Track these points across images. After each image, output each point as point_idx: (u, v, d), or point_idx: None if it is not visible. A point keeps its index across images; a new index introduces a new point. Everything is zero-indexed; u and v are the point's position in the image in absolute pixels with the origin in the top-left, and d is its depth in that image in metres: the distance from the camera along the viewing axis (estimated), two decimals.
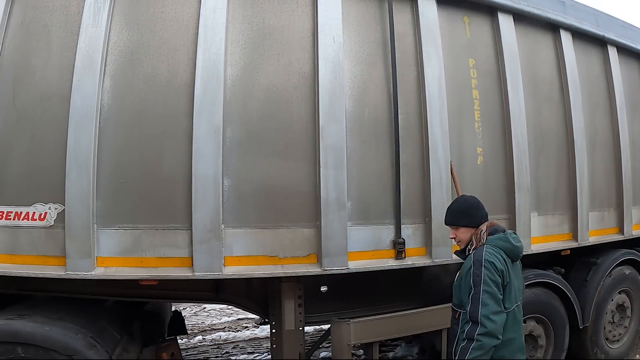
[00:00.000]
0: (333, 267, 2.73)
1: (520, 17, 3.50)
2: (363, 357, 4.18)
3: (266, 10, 2.84)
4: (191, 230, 2.60)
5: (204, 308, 6.50)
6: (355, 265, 2.80)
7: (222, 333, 5.61)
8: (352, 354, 4.54)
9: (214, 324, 5.99)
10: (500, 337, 2.10)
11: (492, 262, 2.17)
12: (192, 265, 2.61)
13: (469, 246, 2.33)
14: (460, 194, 2.87)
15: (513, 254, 2.32)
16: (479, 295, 2.10)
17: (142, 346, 3.07)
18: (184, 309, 4.51)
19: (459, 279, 2.31)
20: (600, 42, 3.99)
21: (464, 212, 2.36)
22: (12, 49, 2.86)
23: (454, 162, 3.07)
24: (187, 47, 2.74)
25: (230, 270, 2.64)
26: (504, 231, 2.37)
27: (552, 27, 3.69)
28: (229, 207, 2.63)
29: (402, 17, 3.08)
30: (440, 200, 2.99)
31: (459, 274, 2.37)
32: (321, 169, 2.71)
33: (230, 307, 6.26)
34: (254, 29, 2.81)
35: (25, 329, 2.76)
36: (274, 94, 2.75)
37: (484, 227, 2.34)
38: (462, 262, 2.38)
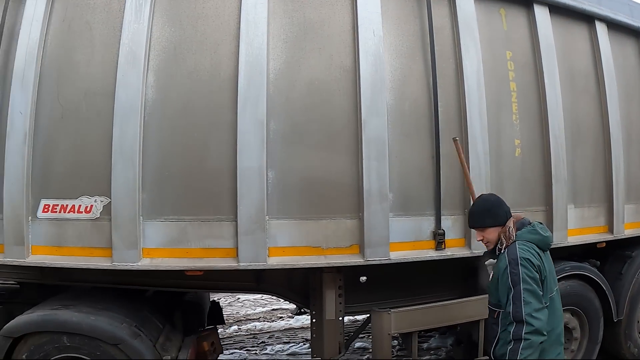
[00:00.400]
0: (375, 257, 2.77)
1: (556, 9, 3.48)
2: (398, 347, 4.21)
3: (306, 5, 2.87)
4: (236, 221, 2.65)
5: (238, 299, 6.61)
6: (397, 255, 2.83)
7: (257, 323, 5.70)
8: None
9: (249, 314, 6.10)
10: (546, 334, 2.09)
11: (527, 258, 2.14)
12: (237, 255, 2.66)
13: (499, 245, 2.28)
14: (468, 172, 2.82)
15: (544, 244, 2.30)
16: (520, 294, 2.07)
17: (183, 335, 3.13)
18: (218, 299, 4.57)
19: (494, 279, 2.28)
20: (634, 33, 3.95)
21: (487, 212, 2.32)
22: (54, 46, 2.94)
23: (492, 155, 3.07)
24: (229, 42, 2.78)
25: (275, 261, 2.69)
26: (530, 223, 2.34)
27: (587, 19, 3.66)
28: (273, 199, 2.68)
29: (439, 10, 3.09)
30: (480, 192, 2.96)
31: (493, 274, 2.34)
32: (364, 161, 2.74)
33: (264, 297, 6.40)
34: (294, 23, 2.84)
35: (71, 319, 2.85)
36: (316, 87, 2.78)
37: (510, 223, 2.29)
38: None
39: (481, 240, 2.37)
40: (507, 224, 2.29)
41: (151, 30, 2.80)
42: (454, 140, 2.85)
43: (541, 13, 3.41)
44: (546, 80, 3.32)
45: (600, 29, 3.68)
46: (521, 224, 2.30)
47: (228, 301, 6.51)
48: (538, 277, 2.15)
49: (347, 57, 2.83)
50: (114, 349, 2.77)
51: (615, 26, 3.78)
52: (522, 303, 2.05)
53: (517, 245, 2.20)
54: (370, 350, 4.09)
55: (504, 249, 2.24)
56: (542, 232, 2.30)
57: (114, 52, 2.80)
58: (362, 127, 2.75)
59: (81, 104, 2.83)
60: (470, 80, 3.05)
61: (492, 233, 2.30)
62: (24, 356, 2.89)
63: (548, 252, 2.37)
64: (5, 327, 2.89)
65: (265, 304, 6.44)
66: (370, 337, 4.64)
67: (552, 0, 3.43)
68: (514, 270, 2.12)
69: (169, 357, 2.82)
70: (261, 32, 2.75)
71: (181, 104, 2.73)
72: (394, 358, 3.04)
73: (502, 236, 2.27)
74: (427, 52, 2.99)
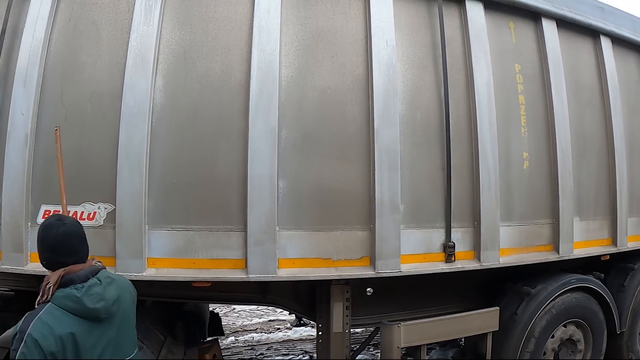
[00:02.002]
0: (386, 270, 2.73)
1: (563, 23, 3.51)
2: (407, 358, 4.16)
3: (319, 13, 2.84)
4: (246, 231, 2.58)
5: (234, 309, 6.50)
6: (407, 268, 2.80)
7: (254, 334, 5.61)
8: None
9: (246, 325, 6.00)
10: None
11: (36, 340, 1.51)
12: (246, 267, 2.59)
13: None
14: (62, 169, 2.27)
15: (93, 316, 1.64)
16: None
17: (185, 347, 3.05)
18: (213, 310, 4.49)
19: None
20: (637, 48, 4.00)
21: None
22: (59, 46, 2.85)
23: (501, 166, 3.06)
24: (240, 48, 2.73)
25: (285, 273, 2.63)
26: (87, 279, 1.67)
27: (593, 33, 3.69)
28: (284, 209, 2.62)
29: (450, 21, 3.08)
30: (489, 204, 2.99)
31: None
32: (376, 171, 2.70)
33: (260, 308, 6.29)
34: (307, 31, 2.80)
35: None
36: (328, 96, 2.74)
37: (56, 274, 1.64)
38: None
39: None
40: (57, 270, 1.64)
41: (161, 32, 2.74)
42: (55, 130, 2.39)
43: (549, 27, 3.43)
44: (554, 93, 3.33)
45: (605, 43, 3.72)
46: (69, 280, 1.64)
47: (224, 311, 6.41)
48: None
49: (359, 66, 2.80)
50: None
51: (619, 41, 3.83)
52: None
53: (38, 313, 1.58)
54: None
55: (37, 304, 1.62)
56: (87, 303, 1.62)
57: (122, 53, 2.73)
58: (374, 137, 2.72)
59: (86, 106, 2.75)
60: (481, 92, 3.04)
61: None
62: None
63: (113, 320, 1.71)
64: (0, 337, 2.78)
65: (262, 315, 6.36)
66: (373, 349, 4.64)
67: (559, 14, 3.45)
68: (14, 346, 1.53)
69: None
70: (274, 39, 2.71)
71: (191, 110, 2.67)
72: None
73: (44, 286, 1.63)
74: (438, 63, 2.98)
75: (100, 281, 1.74)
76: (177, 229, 2.63)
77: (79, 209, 2.72)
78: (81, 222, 2.65)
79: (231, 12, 2.78)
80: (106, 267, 2.62)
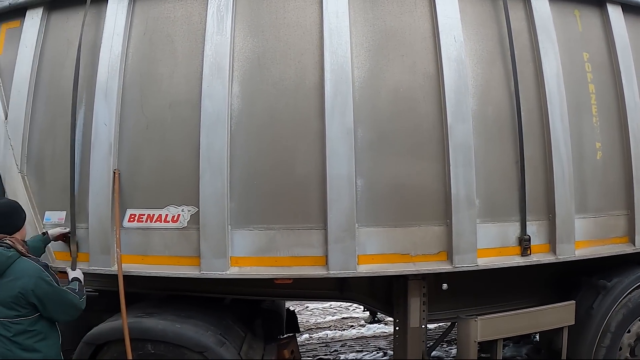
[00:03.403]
0: (463, 264, 2.75)
1: (629, 7, 3.41)
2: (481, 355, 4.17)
3: (386, 13, 2.88)
4: (326, 229, 2.66)
5: (307, 307, 6.62)
6: (484, 262, 2.81)
7: (328, 332, 5.69)
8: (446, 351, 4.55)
9: (319, 323, 6.10)
10: None
11: None
12: (327, 263, 2.67)
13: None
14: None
15: None
16: None
17: (264, 343, 3.15)
18: (288, 307, 4.65)
19: None
20: None
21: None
22: (137, 59, 3.00)
23: (574, 158, 3.01)
24: (312, 51, 2.81)
25: (364, 269, 2.69)
26: None
27: None
28: (362, 206, 2.68)
29: (515, 14, 3.05)
30: (564, 196, 2.95)
31: None
32: (451, 167, 2.73)
33: (332, 306, 6.40)
34: (376, 32, 2.85)
35: (156, 327, 2.89)
36: (401, 94, 2.79)
37: None
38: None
39: None
40: None
41: (234, 41, 2.85)
42: (114, 172, 2.86)
43: (614, 12, 3.35)
44: (624, 81, 3.25)
45: None
46: None
47: (297, 309, 6.51)
48: None
49: (429, 64, 2.83)
50: (198, 356, 2.80)
51: None
52: None
53: None
54: (446, 359, 4.06)
55: None
56: None
57: (197, 63, 2.86)
58: (448, 133, 2.74)
59: (166, 115, 2.89)
60: (551, 84, 3.00)
61: None
62: None
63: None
64: (88, 333, 2.94)
65: (335, 312, 6.43)
66: (446, 345, 4.62)
67: None
68: None
69: None
70: (344, 41, 2.77)
71: (268, 114, 2.77)
72: None
73: None
74: (506, 56, 2.97)
75: None
76: (259, 228, 2.73)
77: (163, 212, 2.87)
78: (165, 224, 2.88)
79: (300, 18, 2.86)
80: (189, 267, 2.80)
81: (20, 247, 2.36)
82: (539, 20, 3.07)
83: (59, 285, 2.33)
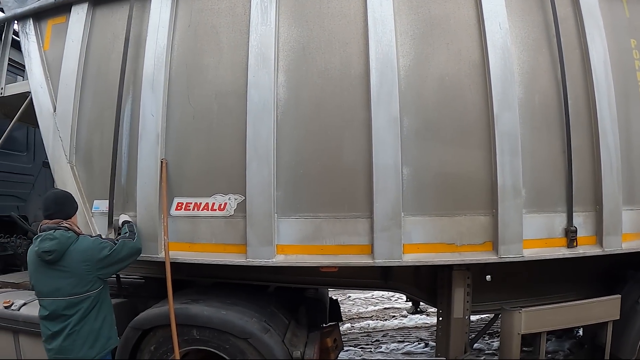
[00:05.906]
0: (509, 255, 2.72)
1: None
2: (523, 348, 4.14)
3: (430, 0, 2.86)
4: (372, 218, 2.67)
5: (349, 297, 6.67)
6: (529, 253, 2.77)
7: (370, 321, 5.74)
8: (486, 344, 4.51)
9: (361, 313, 6.15)
10: None
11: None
12: (372, 252, 2.69)
13: None
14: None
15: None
16: None
17: (307, 331, 3.19)
18: (331, 296, 4.72)
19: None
20: None
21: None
22: (182, 50, 3.05)
23: (622, 147, 2.94)
24: (357, 40, 2.82)
25: (409, 258, 2.69)
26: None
27: None
28: (408, 196, 2.68)
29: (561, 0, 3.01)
30: (611, 187, 2.89)
31: None
32: (497, 156, 2.70)
33: (374, 296, 6.44)
34: (420, 19, 2.84)
35: (202, 313, 2.95)
36: (446, 82, 2.77)
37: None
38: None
39: None
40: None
41: (278, 31, 2.87)
42: (162, 161, 2.93)
43: None
44: None
45: None
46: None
47: (339, 299, 6.60)
48: None
49: (475, 52, 2.80)
50: (243, 342, 2.85)
51: None
52: None
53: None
54: (487, 352, 4.03)
55: None
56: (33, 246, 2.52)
57: (243, 54, 2.89)
58: (494, 122, 2.71)
59: (212, 105, 2.94)
60: (598, 71, 2.94)
61: None
62: (152, 347, 3.02)
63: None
64: (135, 319, 3.03)
65: (377, 302, 6.47)
66: (487, 338, 4.59)
67: None
68: None
69: (299, 352, 2.88)
70: (389, 30, 2.76)
71: (313, 103, 2.79)
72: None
73: None
74: (552, 44, 2.91)
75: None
76: (305, 217, 2.76)
77: (210, 200, 2.92)
78: (212, 212, 2.93)
79: (344, 7, 2.87)
80: (235, 254, 2.85)
81: (76, 229, 2.64)
82: (585, 6, 3.00)
83: (115, 242, 2.65)
